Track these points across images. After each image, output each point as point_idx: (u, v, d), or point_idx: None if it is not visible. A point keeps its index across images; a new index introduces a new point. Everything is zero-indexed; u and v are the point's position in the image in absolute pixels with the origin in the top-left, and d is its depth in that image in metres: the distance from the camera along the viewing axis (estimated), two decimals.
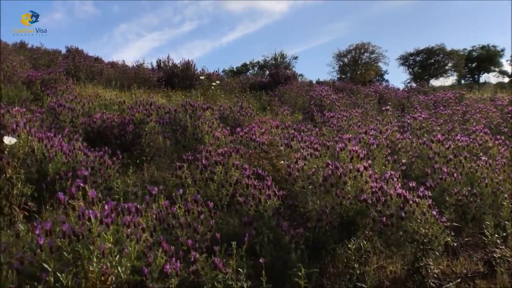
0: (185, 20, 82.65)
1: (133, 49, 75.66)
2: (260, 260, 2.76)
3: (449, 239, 3.42)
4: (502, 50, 34.46)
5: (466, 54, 35.14)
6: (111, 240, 2.28)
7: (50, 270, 2.01)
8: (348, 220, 3.50)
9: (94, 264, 2.08)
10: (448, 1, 67.33)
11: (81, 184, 2.58)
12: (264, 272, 2.68)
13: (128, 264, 2.22)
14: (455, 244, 3.73)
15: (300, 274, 2.59)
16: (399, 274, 3.41)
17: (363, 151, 3.67)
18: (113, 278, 2.12)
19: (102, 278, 2.22)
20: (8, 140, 3.31)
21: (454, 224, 3.85)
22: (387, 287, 3.24)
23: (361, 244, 2.96)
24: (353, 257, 2.98)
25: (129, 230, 2.51)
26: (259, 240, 3.23)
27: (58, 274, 2.02)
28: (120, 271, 2.15)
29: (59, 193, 2.51)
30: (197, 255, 2.65)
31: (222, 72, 22.05)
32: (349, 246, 2.95)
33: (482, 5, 70.91)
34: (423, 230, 3.16)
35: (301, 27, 75.58)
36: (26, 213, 3.56)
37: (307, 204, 3.65)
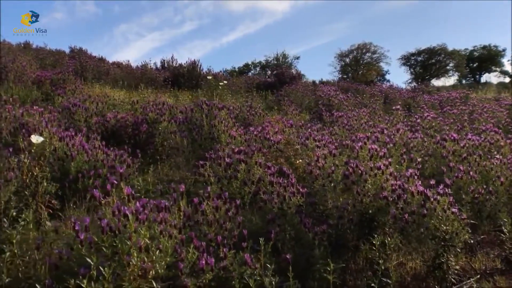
0: (186, 20, 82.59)
1: (134, 49, 75.58)
2: (287, 256, 2.81)
3: (467, 236, 3.48)
4: (504, 50, 34.48)
5: (468, 54, 35.18)
6: (148, 235, 2.33)
7: (93, 264, 2.06)
8: (368, 217, 3.55)
9: (135, 259, 2.13)
10: (450, 1, 67.33)
11: (115, 181, 2.63)
12: (291, 268, 2.73)
13: (168, 259, 2.27)
14: (472, 241, 3.78)
15: (329, 269, 2.63)
16: (419, 271, 3.47)
17: (383, 150, 3.73)
18: (153, 273, 2.17)
19: (140, 273, 2.27)
20: (35, 138, 3.36)
21: (471, 221, 3.90)
22: (408, 283, 3.29)
23: (386, 240, 3.01)
24: (377, 253, 3.04)
25: (161, 226, 2.57)
26: (282, 237, 3.28)
27: (101, 268, 2.07)
28: (158, 266, 2.20)
29: (94, 190, 2.56)
30: (227, 251, 2.70)
31: (224, 72, 22.13)
32: (374, 242, 3.00)
33: (484, 5, 70.90)
34: (444, 227, 3.21)
35: (302, 27, 75.48)
36: (50, 211, 3.63)
37: (327, 202, 3.70)
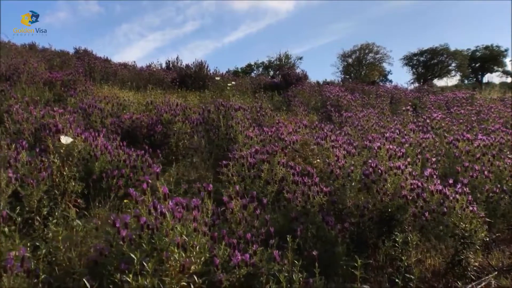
0: (188, 20, 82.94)
1: (135, 49, 75.88)
2: (313, 253, 2.90)
3: (484, 233, 3.57)
4: (506, 50, 34.52)
5: (470, 54, 35.23)
6: (184, 233, 2.42)
7: (136, 259, 2.15)
8: (388, 216, 3.64)
9: (177, 255, 2.22)
10: (452, 1, 67.47)
11: (149, 181, 2.72)
12: (317, 264, 2.82)
13: (208, 255, 2.36)
14: (488, 239, 3.87)
15: (356, 265, 2.72)
16: (438, 267, 3.55)
17: (402, 150, 3.82)
18: (194, 268, 2.26)
19: (178, 269, 2.36)
20: (65, 139, 3.45)
21: (487, 219, 3.99)
22: (429, 279, 3.38)
23: (409, 237, 3.10)
24: (400, 250, 3.13)
25: (195, 224, 2.66)
26: (304, 234, 3.37)
27: (144, 263, 2.16)
28: (198, 261, 2.29)
29: (130, 189, 2.65)
30: (257, 248, 2.79)
31: (228, 72, 22.18)
32: (396, 239, 3.09)
33: (486, 5, 71.00)
34: (464, 225, 3.30)
35: (304, 27, 75.69)
36: (77, 209, 3.72)
37: (345, 200, 3.79)
